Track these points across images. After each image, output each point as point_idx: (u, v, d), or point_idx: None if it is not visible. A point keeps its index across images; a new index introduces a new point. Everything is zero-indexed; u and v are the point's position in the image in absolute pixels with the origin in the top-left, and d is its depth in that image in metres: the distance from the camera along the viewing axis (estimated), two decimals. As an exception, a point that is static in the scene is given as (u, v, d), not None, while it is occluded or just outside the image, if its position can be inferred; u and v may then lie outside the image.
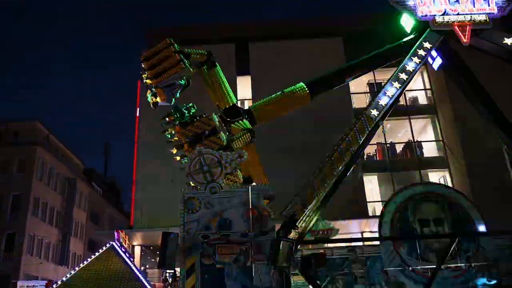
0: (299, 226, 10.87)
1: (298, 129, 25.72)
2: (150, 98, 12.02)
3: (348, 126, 13.74)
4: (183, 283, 9.52)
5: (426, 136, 29.39)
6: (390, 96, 13.49)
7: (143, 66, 11.71)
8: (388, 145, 28.30)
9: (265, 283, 9.16)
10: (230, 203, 10.22)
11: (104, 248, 18.18)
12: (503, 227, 17.00)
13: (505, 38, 14.25)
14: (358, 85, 29.08)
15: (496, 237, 15.23)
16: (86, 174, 51.26)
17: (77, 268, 17.94)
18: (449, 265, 14.59)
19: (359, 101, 27.64)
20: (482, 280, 14.77)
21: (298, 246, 11.56)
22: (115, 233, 18.64)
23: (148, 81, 11.70)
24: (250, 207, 10.23)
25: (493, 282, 14.61)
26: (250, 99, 28.30)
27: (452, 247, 11.90)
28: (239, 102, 27.99)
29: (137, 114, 27.70)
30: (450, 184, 25.08)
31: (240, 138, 11.91)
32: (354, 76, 15.20)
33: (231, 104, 12.68)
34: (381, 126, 14.54)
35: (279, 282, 8.84)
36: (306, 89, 13.38)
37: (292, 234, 11.14)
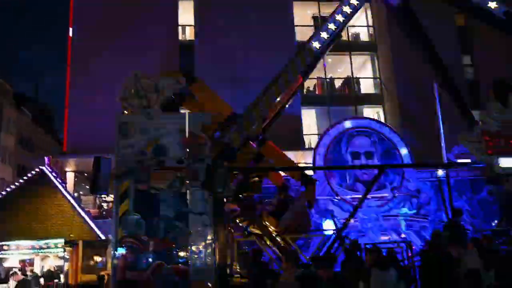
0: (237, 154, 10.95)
1: (241, 59, 25.32)
2: None
3: (290, 58, 13.67)
4: (116, 209, 9.43)
5: (365, 72, 29.99)
6: (333, 30, 13.45)
7: None
8: (327, 79, 28.67)
9: (199, 209, 9.28)
10: (167, 129, 10.02)
11: (33, 172, 17.54)
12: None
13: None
14: (302, 18, 28.74)
15: (420, 171, 16.33)
16: (16, 99, 48.27)
17: (4, 192, 17.30)
18: (374, 195, 15.57)
19: (302, 34, 27.38)
20: (404, 210, 15.95)
21: (236, 173, 11.73)
22: (46, 158, 17.95)
23: None
24: (187, 134, 10.09)
25: (413, 211, 15.82)
26: (192, 25, 27.28)
27: (378, 178, 12.54)
28: (180, 28, 27.08)
29: (70, 35, 25.90)
30: (383, 120, 26.07)
31: None
32: None
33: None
34: (322, 60, 14.63)
35: (214, 208, 8.97)
36: None
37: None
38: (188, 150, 9.79)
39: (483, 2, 14.14)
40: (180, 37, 27.18)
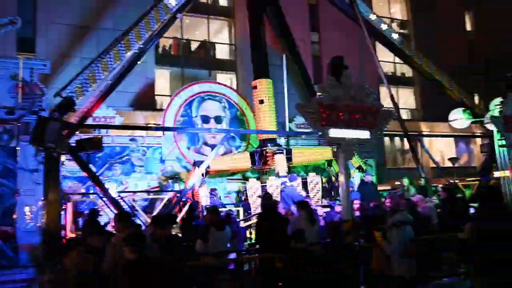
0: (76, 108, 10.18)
1: (93, 8, 23.33)
2: None
3: (144, 12, 13.00)
4: None
5: (221, 38, 30.16)
6: (191, -12, 13.14)
7: None
8: (184, 41, 28.19)
9: (30, 165, 8.49)
10: (-6, 74, 8.84)
11: None
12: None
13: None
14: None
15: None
16: None
17: None
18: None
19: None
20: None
21: (77, 131, 10.95)
22: None
23: None
24: (20, 82, 9.04)
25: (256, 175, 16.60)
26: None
27: (225, 142, 12.90)
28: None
29: None
30: (235, 87, 26.71)
31: None
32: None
33: None
34: (178, 19, 14.23)
35: (46, 164, 8.26)
36: None
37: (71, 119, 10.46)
38: (20, 100, 8.80)
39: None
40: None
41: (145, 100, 24.19)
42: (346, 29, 22.01)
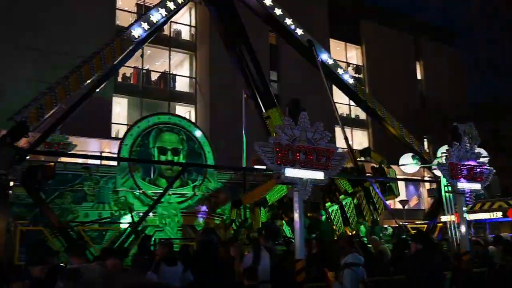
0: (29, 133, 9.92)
1: (54, 33, 23.06)
2: None
3: (107, 41, 13.03)
4: None
5: (182, 70, 30.43)
6: (154, 22, 13.32)
7: None
8: (144, 71, 28.23)
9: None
10: None
11: None
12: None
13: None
14: (126, 3, 27.78)
15: (221, 172, 17.23)
16: None
17: None
18: (175, 192, 15.89)
19: (124, 19, 26.44)
20: (203, 208, 16.63)
21: (27, 156, 10.64)
22: None
23: None
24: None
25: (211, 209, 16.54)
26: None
27: (181, 175, 12.84)
28: None
29: None
30: (193, 120, 26.81)
31: None
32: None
33: None
34: (140, 50, 14.34)
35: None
36: None
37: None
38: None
39: (292, 28, 15.81)
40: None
41: (101, 127, 23.85)
42: (304, 70, 22.76)
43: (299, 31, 15.96)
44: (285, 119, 8.19)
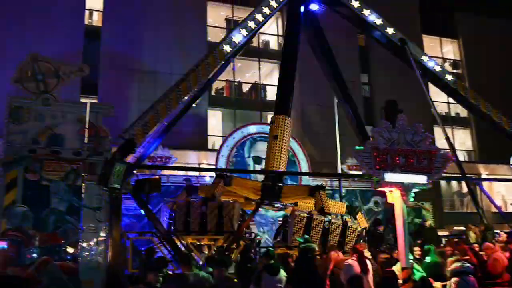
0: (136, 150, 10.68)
1: (151, 54, 24.74)
2: None
3: (200, 57, 13.69)
4: (1, 198, 8.72)
5: (272, 80, 30.83)
6: (244, 35, 13.71)
7: None
8: (236, 83, 29.05)
9: (94, 204, 8.91)
10: (65, 118, 9.47)
11: None
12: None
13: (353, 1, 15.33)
14: (216, 19, 28.85)
15: (315, 179, 17.12)
16: None
17: None
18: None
19: (214, 35, 27.51)
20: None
21: (134, 170, 11.45)
22: None
23: None
24: (87, 124, 9.63)
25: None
26: (100, 11, 26.02)
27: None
28: (87, 12, 25.65)
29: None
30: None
31: None
32: None
33: None
34: (231, 63, 14.82)
35: (110, 203, 8.66)
36: None
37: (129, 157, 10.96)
38: (86, 141, 9.35)
39: (382, 27, 15.36)
40: (87, 21, 25.84)
41: (198, 140, 24.93)
42: (396, 70, 21.94)
43: (390, 30, 15.45)
44: (382, 122, 7.96)
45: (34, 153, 8.97)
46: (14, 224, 8.31)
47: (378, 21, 15.37)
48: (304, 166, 17.02)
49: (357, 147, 8.38)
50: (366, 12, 15.24)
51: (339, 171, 17.04)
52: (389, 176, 7.52)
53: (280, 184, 12.15)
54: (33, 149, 8.96)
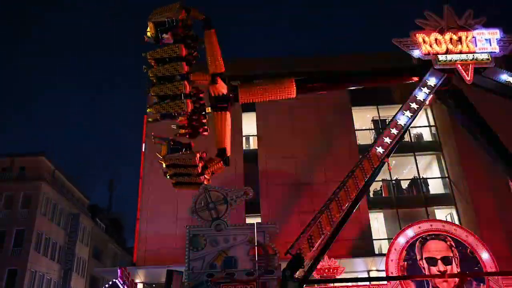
0: (305, 264, 10.72)
1: (304, 167, 25.78)
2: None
3: (353, 163, 13.81)
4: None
5: (431, 172, 29.24)
6: (395, 134, 13.59)
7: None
8: (393, 181, 28.15)
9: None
10: (236, 240, 10.17)
11: (106, 286, 17.86)
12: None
13: (507, 76, 14.44)
14: (362, 121, 29.26)
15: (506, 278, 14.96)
16: (90, 209, 51.06)
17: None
18: (456, 305, 14.28)
19: (364, 138, 27.73)
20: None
21: (304, 285, 11.38)
22: (118, 270, 18.32)
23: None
24: (256, 245, 10.15)
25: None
26: (255, 135, 28.46)
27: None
28: (244, 138, 28.30)
29: (143, 150, 27.76)
30: (457, 222, 24.78)
31: None
32: (342, 85, 16.28)
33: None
34: (386, 163, 14.59)
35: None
36: (294, 81, 13.80)
37: (298, 272, 11.00)
38: (257, 261, 9.76)
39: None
40: (244, 146, 28.33)
41: (362, 245, 24.08)
42: None
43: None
44: None
45: (212, 277, 9.64)
46: None
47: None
48: (489, 264, 15.05)
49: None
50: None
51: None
52: None
53: None
54: (211, 273, 9.66)
